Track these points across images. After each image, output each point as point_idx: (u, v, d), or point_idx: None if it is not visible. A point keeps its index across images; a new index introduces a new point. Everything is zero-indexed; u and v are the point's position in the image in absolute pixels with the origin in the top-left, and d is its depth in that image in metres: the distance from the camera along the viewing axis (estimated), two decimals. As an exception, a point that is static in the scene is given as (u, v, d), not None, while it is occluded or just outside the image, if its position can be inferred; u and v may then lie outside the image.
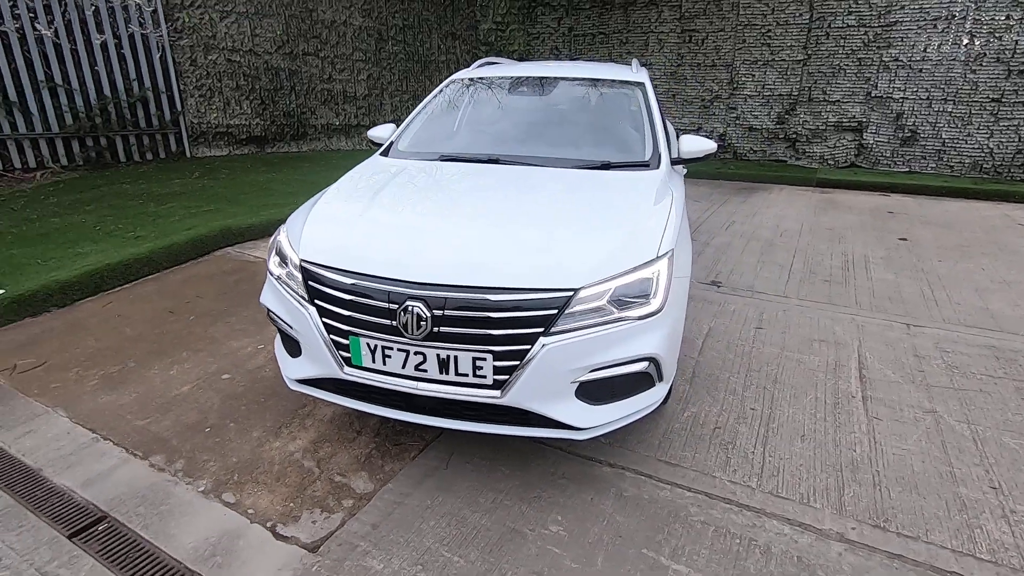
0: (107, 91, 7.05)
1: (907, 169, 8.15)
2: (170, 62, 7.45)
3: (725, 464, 2.25)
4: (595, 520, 1.97)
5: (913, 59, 7.72)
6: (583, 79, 3.27)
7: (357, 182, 2.55)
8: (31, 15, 6.42)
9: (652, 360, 1.93)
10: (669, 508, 2.02)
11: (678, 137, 3.05)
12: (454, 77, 3.49)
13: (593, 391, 1.90)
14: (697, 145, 2.89)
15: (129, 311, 3.66)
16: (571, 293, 1.81)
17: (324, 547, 1.87)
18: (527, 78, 3.34)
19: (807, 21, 8.15)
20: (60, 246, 4.44)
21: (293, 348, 2.16)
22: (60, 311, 3.68)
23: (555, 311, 1.80)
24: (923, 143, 7.97)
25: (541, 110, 3.12)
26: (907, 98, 7.88)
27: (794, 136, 8.70)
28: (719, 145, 9.18)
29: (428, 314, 1.80)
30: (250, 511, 2.03)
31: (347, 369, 1.98)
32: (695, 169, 8.43)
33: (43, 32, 6.50)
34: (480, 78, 3.40)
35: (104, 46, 6.95)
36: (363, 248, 2.01)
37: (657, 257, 1.97)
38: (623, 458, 2.28)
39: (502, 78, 3.36)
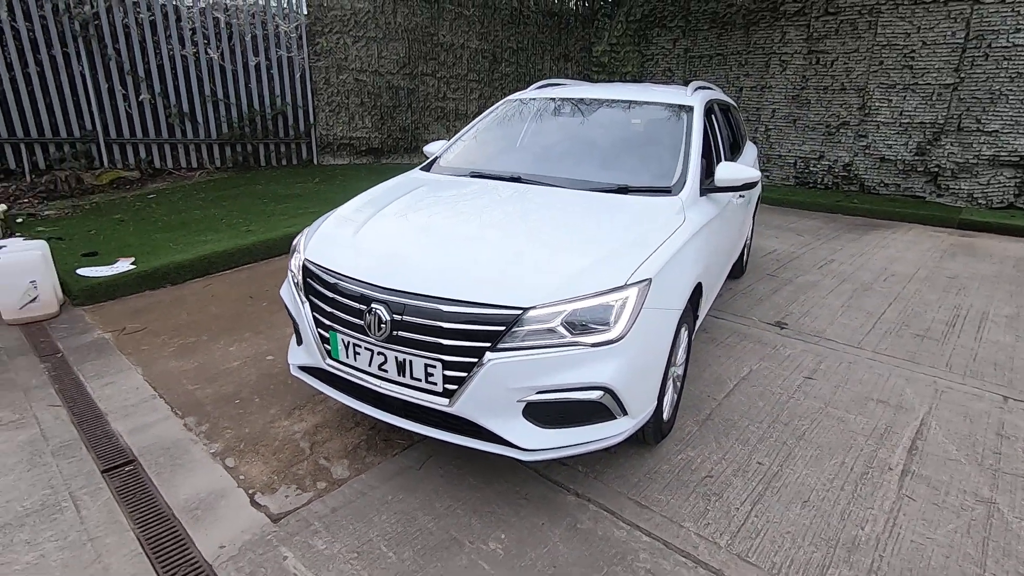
0: (256, 105, 8.21)
1: (1087, 215, 6.76)
2: (308, 81, 8.49)
3: (700, 515, 2.08)
4: (536, 545, 1.94)
5: (1103, 84, 6.42)
6: (630, 102, 3.22)
7: (378, 192, 2.77)
8: (205, 42, 7.71)
9: (607, 391, 1.86)
10: (618, 549, 1.93)
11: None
12: (509, 98, 3.62)
13: (541, 413, 1.88)
14: (734, 173, 2.71)
15: (221, 293, 4.25)
16: (520, 312, 1.82)
17: (285, 520, 2.05)
18: (576, 100, 3.36)
19: (961, 41, 7.14)
20: (192, 233, 5.26)
21: (298, 337, 2.40)
22: (172, 287, 4.37)
23: (503, 328, 1.82)
24: (1111, 185, 6.56)
25: (579, 131, 3.13)
26: (1091, 130, 6.55)
27: (936, 169, 7.61)
28: (843, 176, 8.34)
29: (388, 317, 1.92)
30: (241, 477, 2.28)
31: (328, 361, 2.16)
32: (812, 201, 7.73)
33: (212, 56, 7.78)
34: (532, 99, 3.49)
35: (257, 67, 8.12)
36: (351, 252, 2.19)
37: (625, 285, 1.91)
38: (592, 489, 2.21)
39: (552, 99, 3.42)
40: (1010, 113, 7.00)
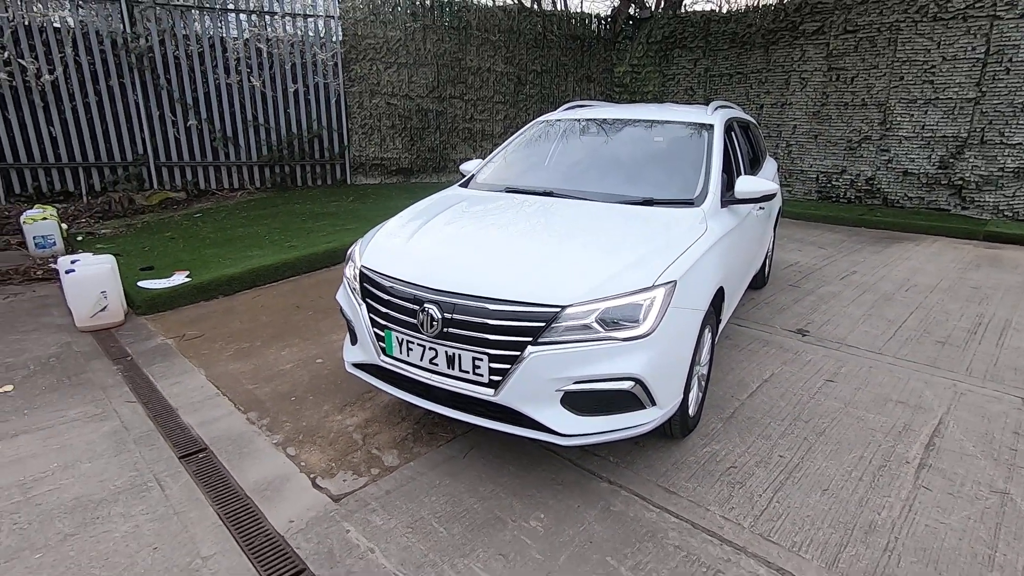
0: (293, 128, 8.67)
1: (1117, 226, 6.71)
2: (342, 105, 8.94)
3: (725, 500, 2.24)
4: (573, 524, 2.12)
5: None
6: (654, 121, 3.44)
7: (424, 206, 3.03)
8: (248, 71, 8.21)
9: (637, 381, 2.05)
10: (648, 528, 2.10)
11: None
12: (539, 119, 3.87)
13: (578, 401, 2.08)
14: (753, 186, 2.91)
15: (269, 303, 4.55)
16: (558, 309, 2.03)
17: (345, 500, 2.27)
18: (602, 120, 3.60)
19: (981, 55, 7.22)
20: (238, 249, 5.61)
21: (352, 337, 2.64)
22: (225, 298, 4.69)
23: (543, 324, 2.03)
24: None
25: (606, 149, 3.36)
26: (1118, 142, 6.54)
27: (960, 182, 7.64)
28: (866, 190, 8.40)
29: (440, 316, 2.15)
30: (302, 463, 2.51)
31: (383, 357, 2.40)
32: (835, 215, 7.82)
33: (254, 83, 8.27)
34: (559, 120, 3.74)
35: (295, 93, 8.59)
36: (404, 259, 2.44)
37: (653, 286, 2.11)
38: (623, 477, 2.38)
39: (580, 120, 3.66)
40: (1034, 126, 7.03)
